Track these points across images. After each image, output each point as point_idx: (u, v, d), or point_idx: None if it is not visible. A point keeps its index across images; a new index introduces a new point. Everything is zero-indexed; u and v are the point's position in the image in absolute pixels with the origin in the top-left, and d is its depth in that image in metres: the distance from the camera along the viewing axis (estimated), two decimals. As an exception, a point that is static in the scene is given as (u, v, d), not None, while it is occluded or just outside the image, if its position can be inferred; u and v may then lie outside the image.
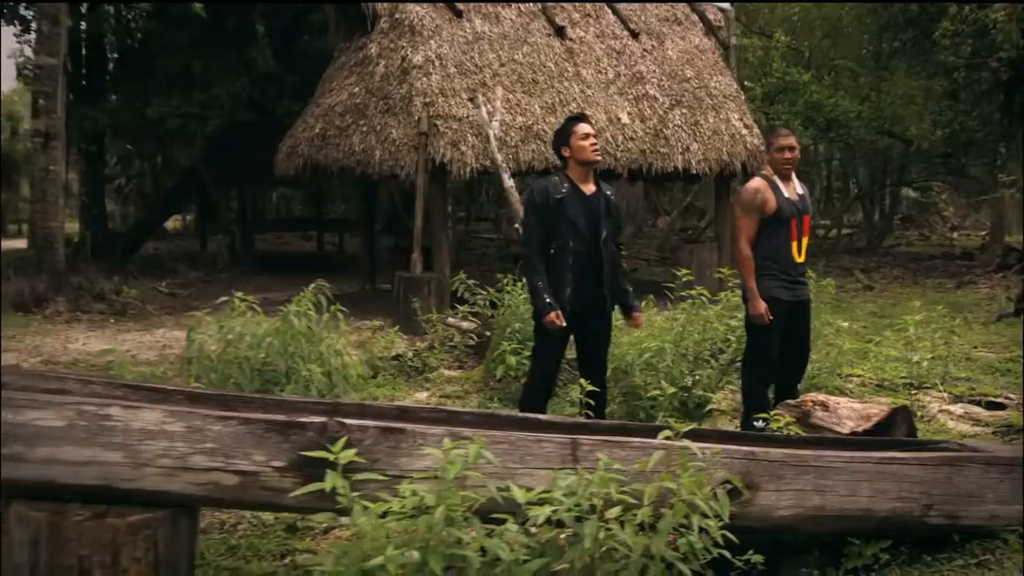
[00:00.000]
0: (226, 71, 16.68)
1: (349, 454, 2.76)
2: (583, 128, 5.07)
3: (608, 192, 5.13)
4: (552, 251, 4.99)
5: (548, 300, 4.86)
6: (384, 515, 2.72)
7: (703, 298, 6.48)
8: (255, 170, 18.04)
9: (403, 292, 9.87)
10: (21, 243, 23.62)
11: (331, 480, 2.70)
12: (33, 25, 17.95)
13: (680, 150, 12.13)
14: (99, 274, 13.52)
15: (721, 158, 12.47)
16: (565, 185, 5.05)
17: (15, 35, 19.76)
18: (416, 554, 2.65)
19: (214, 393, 3.64)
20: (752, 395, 5.38)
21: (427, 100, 10.80)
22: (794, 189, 5.40)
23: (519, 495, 2.80)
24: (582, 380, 4.51)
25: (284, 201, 36.45)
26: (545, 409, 5.10)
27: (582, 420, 3.99)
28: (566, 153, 5.14)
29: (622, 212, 5.24)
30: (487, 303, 8.66)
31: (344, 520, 4.30)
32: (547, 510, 2.78)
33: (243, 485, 2.95)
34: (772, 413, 4.33)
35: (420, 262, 10.31)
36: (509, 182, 8.43)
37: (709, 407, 6.20)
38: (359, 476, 2.84)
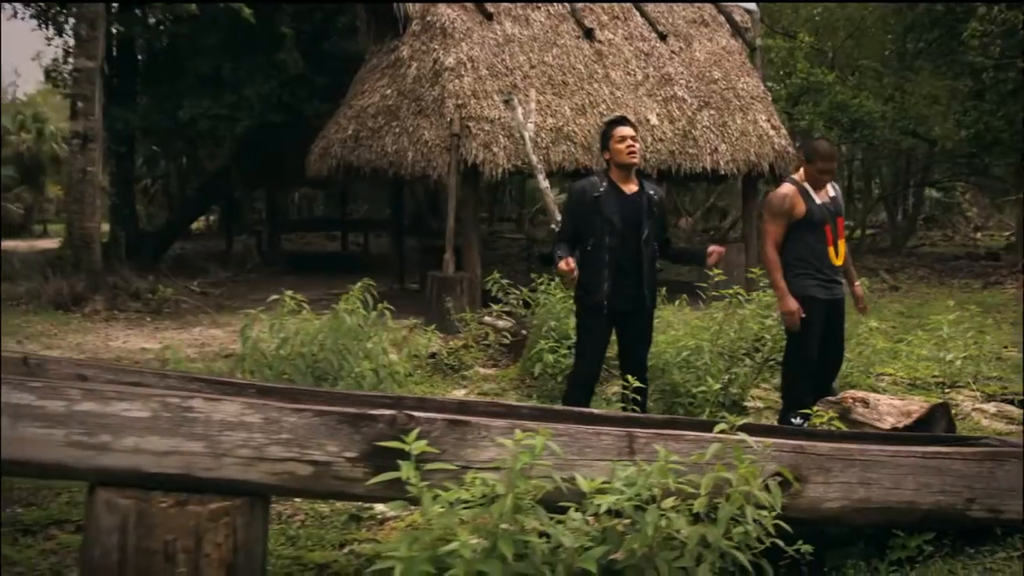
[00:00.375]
0: (256, 73, 16.88)
1: (421, 445, 2.88)
2: (621, 131, 5.19)
3: (652, 192, 5.24)
4: (588, 248, 5.12)
5: (560, 254, 4.98)
6: (452, 504, 2.84)
7: (739, 297, 6.57)
8: (283, 171, 18.27)
9: (436, 291, 10.00)
10: (47, 243, 23.96)
11: (406, 470, 2.83)
12: (68, 29, 18.28)
13: (708, 151, 12.23)
14: (132, 274, 13.72)
15: (749, 159, 12.56)
16: (603, 184, 5.17)
17: (47, 39, 20.03)
18: (486, 541, 2.78)
19: (283, 387, 3.78)
20: (792, 393, 5.47)
21: (459, 102, 10.94)
22: (826, 192, 5.46)
23: (584, 484, 2.92)
24: (628, 376, 4.63)
25: (306, 201, 36.69)
26: (588, 405, 5.22)
27: (634, 414, 4.11)
28: (607, 156, 5.27)
29: (667, 212, 5.35)
30: (520, 302, 8.80)
31: (395, 512, 4.46)
32: (610, 499, 2.90)
33: (316, 475, 3.08)
34: (813, 409, 4.43)
35: (453, 262, 10.44)
36: (544, 183, 8.56)
37: (745, 404, 6.31)
38: (428, 466, 2.96)
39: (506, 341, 8.40)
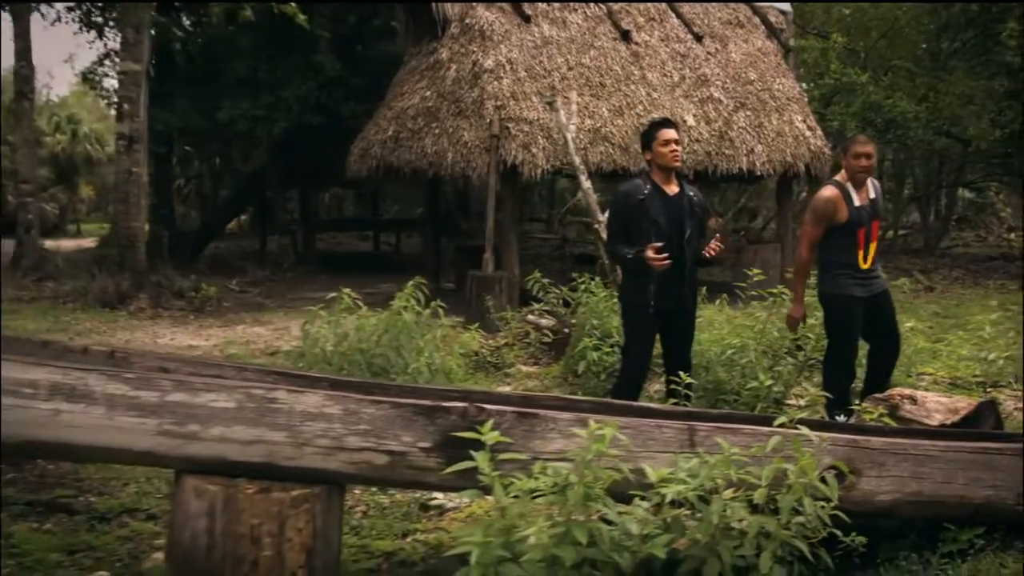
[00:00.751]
0: (293, 75, 17.11)
1: (495, 436, 3.01)
2: (665, 134, 5.28)
3: (691, 193, 5.35)
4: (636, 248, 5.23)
5: (628, 251, 5.10)
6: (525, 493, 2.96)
7: (783, 296, 6.66)
8: (320, 171, 18.49)
9: (476, 290, 10.14)
10: (83, 242, 24.34)
11: (481, 459, 2.95)
12: (108, 32, 18.59)
13: (744, 152, 12.31)
14: (174, 273, 13.97)
15: (785, 159, 12.62)
16: (648, 187, 5.27)
17: (88, 43, 20.42)
18: (559, 527, 2.90)
19: (354, 380, 3.92)
20: (834, 390, 5.55)
21: (498, 103, 11.08)
22: (866, 194, 5.52)
23: (652, 474, 3.04)
24: (681, 373, 4.75)
25: (335, 201, 36.96)
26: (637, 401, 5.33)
27: (691, 409, 4.22)
28: (648, 157, 5.36)
29: (707, 213, 5.46)
30: (560, 301, 8.93)
31: (454, 504, 4.60)
32: (677, 488, 3.01)
33: (392, 464, 3.22)
34: (861, 406, 4.52)
35: (492, 261, 10.58)
36: (587, 183, 8.68)
37: (787, 402, 6.39)
38: (500, 456, 3.08)
39: (547, 339, 8.52)
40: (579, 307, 8.15)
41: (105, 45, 19.76)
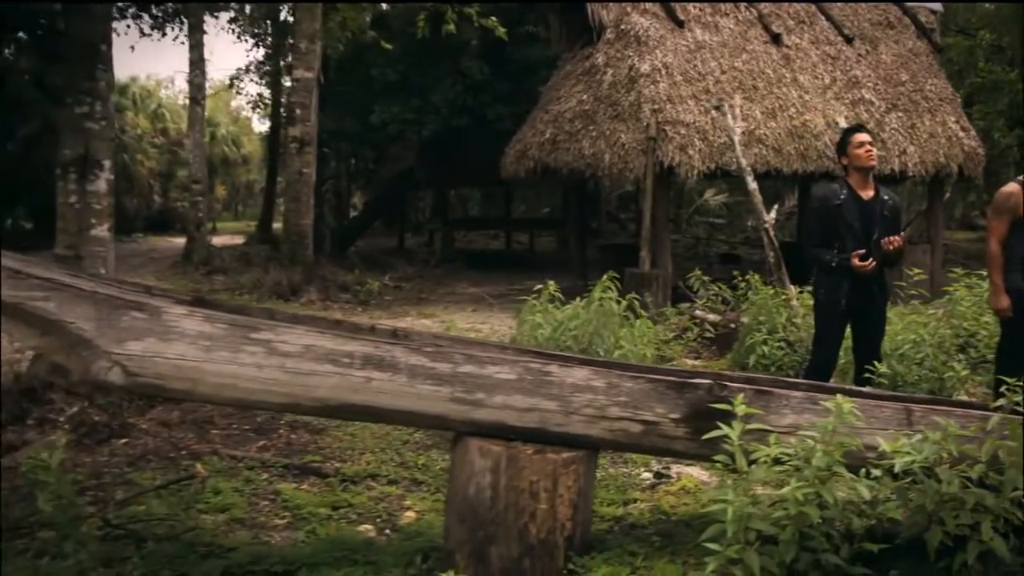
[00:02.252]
0: (441, 79, 17.83)
1: (746, 408, 3.42)
2: (859, 137, 5.60)
3: (886, 197, 5.64)
4: (833, 251, 5.56)
5: (835, 262, 5.43)
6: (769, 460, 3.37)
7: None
8: (464, 172, 19.18)
9: (633, 287, 10.53)
10: (223, 239, 25.62)
11: (733, 428, 3.37)
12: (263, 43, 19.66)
13: (897, 153, 12.39)
14: (337, 268, 14.81)
15: (938, 160, 12.64)
16: (844, 191, 5.58)
17: (246, 51, 21.62)
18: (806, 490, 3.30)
19: (598, 360, 4.39)
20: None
21: (655, 107, 11.47)
22: None
23: (886, 446, 3.42)
24: (876, 362, 5.08)
25: (460, 201, 37.81)
26: None
27: (899, 393, 4.55)
28: (844, 161, 5.69)
29: (899, 216, 5.74)
30: (719, 298, 9.31)
31: (658, 480, 5.03)
32: (907, 459, 3.38)
33: (645, 432, 3.67)
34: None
35: (649, 259, 10.97)
36: (753, 184, 9.00)
37: (960, 396, 6.62)
38: (741, 428, 3.49)
39: (709, 334, 8.89)
40: (744, 303, 8.50)
41: (257, 52, 20.75)
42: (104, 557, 3.70)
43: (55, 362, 3.62)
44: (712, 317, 8.76)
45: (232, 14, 20.11)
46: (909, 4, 14.59)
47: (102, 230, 6.73)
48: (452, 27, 11.30)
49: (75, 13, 6.80)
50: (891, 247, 5.35)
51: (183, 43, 17.99)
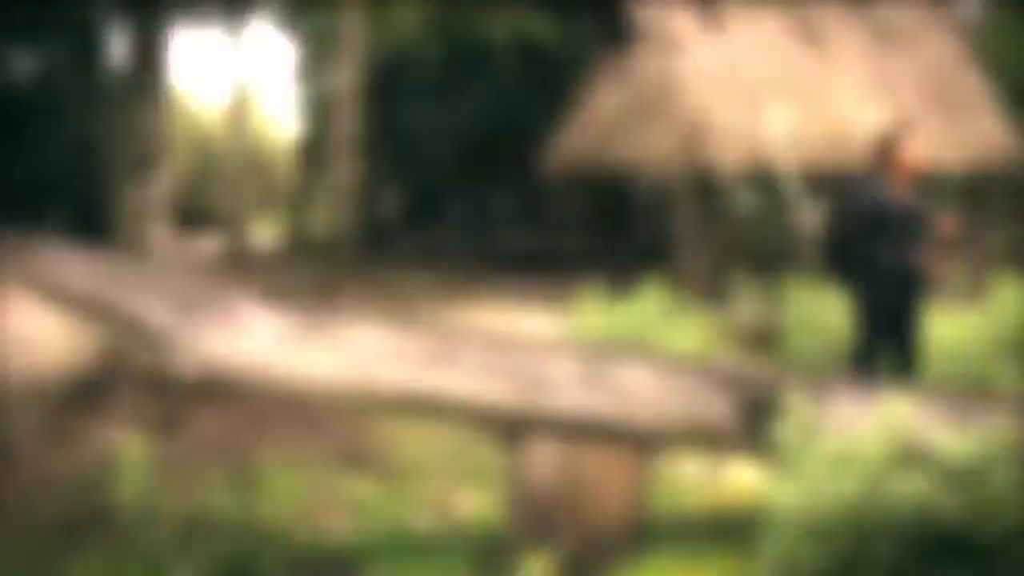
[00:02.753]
0: (479, 79, 18.03)
1: (801, 403, 3.50)
2: (903, 141, 5.67)
3: (922, 200, 5.69)
4: (876, 250, 5.61)
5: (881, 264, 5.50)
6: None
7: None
8: (500, 172, 19.32)
9: (676, 285, 10.61)
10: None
11: (788, 426, 3.45)
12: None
13: (937, 153, 12.32)
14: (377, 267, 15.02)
15: (980, 159, 12.57)
16: (880, 192, 5.64)
17: (287, 50, 21.83)
18: None
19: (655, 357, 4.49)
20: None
21: (693, 108, 11.54)
22: None
23: (940, 441, 3.48)
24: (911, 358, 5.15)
25: (497, 201, 37.90)
26: None
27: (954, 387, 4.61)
28: (886, 164, 5.73)
29: (931, 216, 5.77)
30: (762, 296, 9.35)
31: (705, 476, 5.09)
32: (962, 455, 3.44)
33: (700, 427, 3.76)
34: None
35: (690, 258, 11.05)
36: (792, 185, 9.05)
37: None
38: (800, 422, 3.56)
39: (755, 331, 8.93)
40: (787, 303, 8.56)
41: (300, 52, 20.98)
42: (180, 547, 3.83)
43: (128, 354, 3.78)
44: (758, 314, 8.82)
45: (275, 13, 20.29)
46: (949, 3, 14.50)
47: (160, 228, 6.90)
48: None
49: (133, 17, 6.99)
50: (948, 230, 5.43)
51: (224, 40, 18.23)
